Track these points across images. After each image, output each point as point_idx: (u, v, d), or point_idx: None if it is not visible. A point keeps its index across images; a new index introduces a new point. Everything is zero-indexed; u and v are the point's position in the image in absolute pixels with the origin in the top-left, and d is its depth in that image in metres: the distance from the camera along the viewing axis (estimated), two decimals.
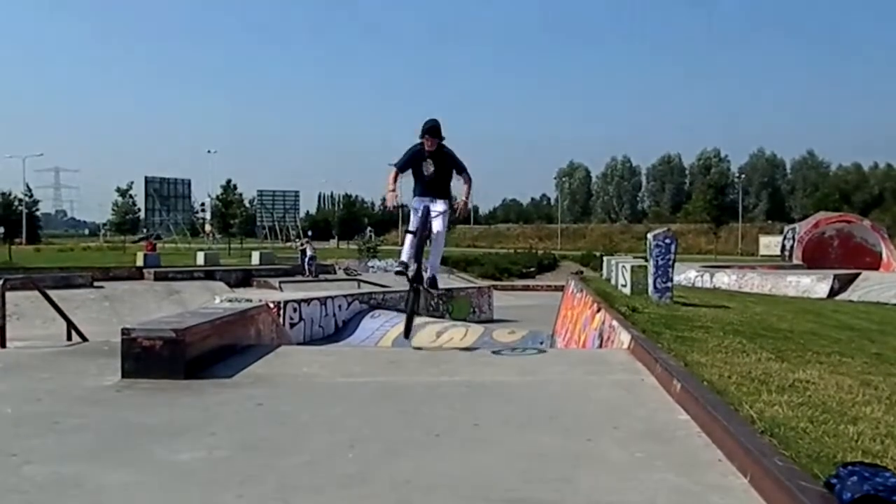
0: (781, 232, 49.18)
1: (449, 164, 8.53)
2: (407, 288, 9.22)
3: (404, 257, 8.68)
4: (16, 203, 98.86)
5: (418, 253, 8.69)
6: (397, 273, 8.98)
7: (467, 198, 8.85)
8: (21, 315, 18.03)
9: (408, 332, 10.14)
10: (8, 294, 9.89)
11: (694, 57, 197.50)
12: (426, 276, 8.88)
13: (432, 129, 8.29)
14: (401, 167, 8.53)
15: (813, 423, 4.90)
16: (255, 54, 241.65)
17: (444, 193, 8.67)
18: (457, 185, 9.01)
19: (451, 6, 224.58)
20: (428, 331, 22.79)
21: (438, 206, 8.56)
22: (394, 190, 8.41)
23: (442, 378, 7.31)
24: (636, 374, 7.35)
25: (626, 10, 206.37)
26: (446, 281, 35.58)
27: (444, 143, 8.43)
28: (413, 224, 8.66)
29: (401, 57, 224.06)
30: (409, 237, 8.75)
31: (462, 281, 43.33)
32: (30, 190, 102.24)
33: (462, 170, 8.60)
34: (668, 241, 15.22)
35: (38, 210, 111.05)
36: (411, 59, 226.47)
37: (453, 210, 8.70)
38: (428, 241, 8.90)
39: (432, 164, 8.42)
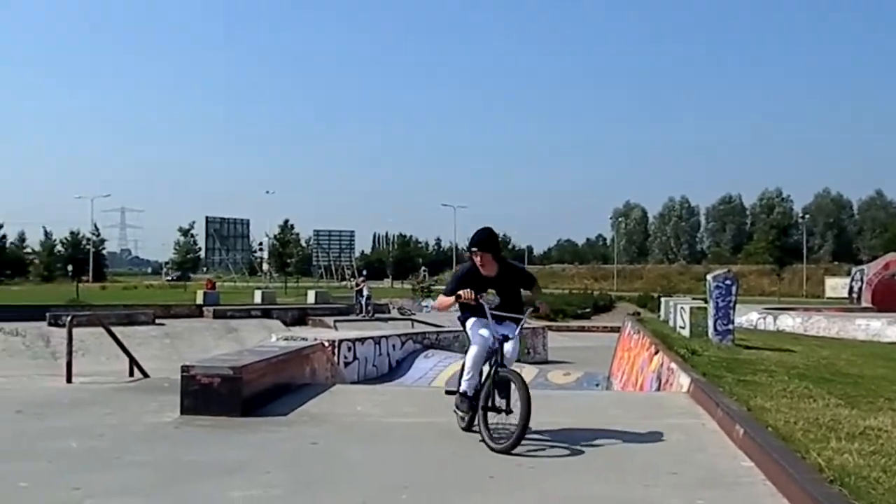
0: (848, 273, 47.91)
1: (516, 283, 6.59)
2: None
3: (466, 387, 6.36)
4: (84, 242, 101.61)
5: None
6: (451, 395, 6.66)
7: (541, 301, 6.96)
8: (86, 351, 18.39)
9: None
10: (75, 330, 10.13)
11: (753, 96, 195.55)
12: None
13: (483, 243, 6.31)
14: (452, 294, 6.37)
15: (886, 473, 4.71)
16: (312, 98, 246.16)
17: (516, 309, 6.51)
18: None
19: (499, 48, 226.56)
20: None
21: (509, 330, 6.35)
22: (458, 298, 6.30)
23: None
24: (696, 418, 7.19)
25: (682, 48, 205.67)
26: None
27: (504, 258, 6.51)
28: (477, 355, 6.26)
29: (454, 98, 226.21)
30: (470, 360, 6.32)
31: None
32: (97, 229, 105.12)
33: (532, 284, 6.75)
34: (728, 282, 14.95)
35: (104, 249, 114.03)
36: (465, 101, 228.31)
37: (534, 309, 6.81)
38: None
39: (495, 293, 6.41)
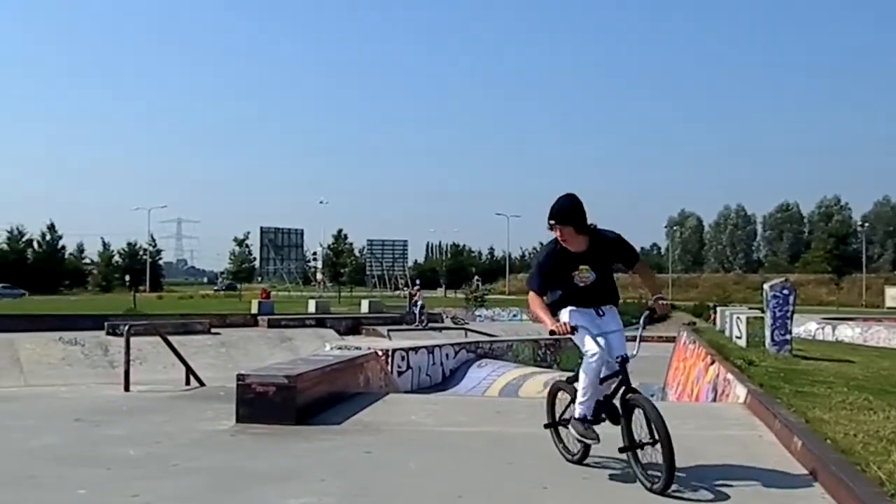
0: None
1: (612, 258, 5.42)
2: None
3: (584, 410, 5.32)
4: (141, 252, 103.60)
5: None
6: (581, 437, 5.37)
7: (660, 290, 5.62)
8: (144, 360, 18.71)
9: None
10: (132, 339, 10.35)
11: (810, 102, 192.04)
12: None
13: (563, 214, 5.16)
14: (541, 289, 5.39)
15: None
16: (365, 109, 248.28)
17: (612, 298, 5.54)
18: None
19: (552, 57, 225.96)
20: (535, 381, 22.54)
21: (612, 321, 5.41)
22: (555, 321, 5.22)
23: (546, 430, 7.19)
24: (753, 429, 7.07)
25: (735, 55, 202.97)
26: None
27: (594, 228, 5.27)
28: (593, 376, 5.20)
29: (508, 107, 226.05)
30: (586, 381, 5.25)
31: None
32: (154, 240, 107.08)
33: (634, 259, 5.51)
34: (786, 291, 14.71)
35: (160, 259, 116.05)
36: (519, 110, 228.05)
37: (650, 314, 5.40)
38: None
39: (589, 268, 5.30)
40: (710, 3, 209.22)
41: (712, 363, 12.30)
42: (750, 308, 21.64)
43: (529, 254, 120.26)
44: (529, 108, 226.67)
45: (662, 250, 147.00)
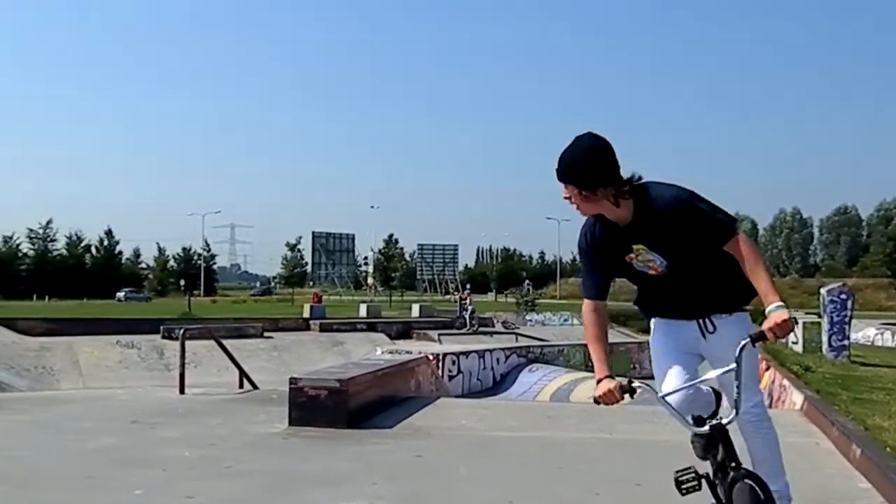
0: None
1: (684, 228, 3.25)
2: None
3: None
4: (195, 257, 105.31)
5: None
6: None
7: (776, 297, 3.11)
8: (198, 363, 19.02)
9: None
10: (187, 343, 10.51)
11: (868, 104, 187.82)
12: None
13: (563, 168, 3.25)
14: (595, 291, 3.42)
15: None
16: (414, 112, 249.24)
17: (730, 297, 3.48)
18: None
19: (614, 56, 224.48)
20: (587, 386, 22.39)
21: (726, 344, 3.33)
22: (605, 378, 3.24)
23: (601, 434, 7.15)
24: (810, 437, 6.94)
25: (793, 60, 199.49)
26: None
27: (639, 182, 3.28)
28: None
29: (561, 102, 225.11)
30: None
31: (621, 336, 42.51)
32: (208, 245, 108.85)
33: (723, 231, 3.27)
34: (843, 296, 14.43)
35: (214, 264, 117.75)
36: (574, 105, 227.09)
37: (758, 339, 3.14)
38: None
39: (646, 248, 3.35)
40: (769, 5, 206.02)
41: (768, 369, 12.09)
42: (807, 313, 21.21)
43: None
44: (582, 110, 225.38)
45: None
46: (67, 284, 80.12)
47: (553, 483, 5.36)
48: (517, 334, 37.31)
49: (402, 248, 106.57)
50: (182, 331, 10.83)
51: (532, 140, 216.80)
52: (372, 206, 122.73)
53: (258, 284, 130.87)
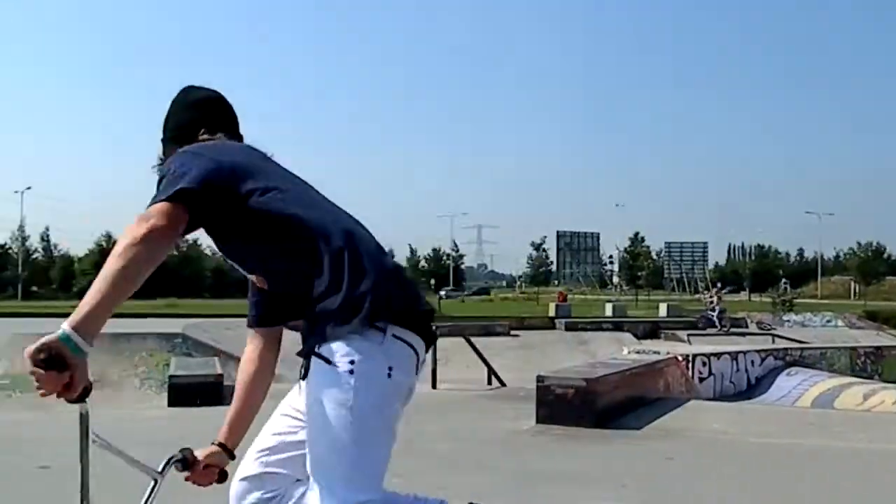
0: None
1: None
2: None
3: None
4: (444, 258, 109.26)
5: None
6: None
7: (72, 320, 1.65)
8: (448, 359, 19.63)
9: None
10: (438, 340, 10.90)
11: None
12: None
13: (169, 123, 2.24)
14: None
15: None
16: (657, 108, 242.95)
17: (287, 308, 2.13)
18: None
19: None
20: (853, 392, 20.76)
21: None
22: None
23: (872, 445, 6.59)
24: None
25: None
26: (874, 338, 32.32)
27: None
28: None
29: (811, 91, 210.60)
30: None
31: (892, 338, 39.18)
32: (456, 246, 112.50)
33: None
34: None
35: (462, 264, 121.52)
36: (824, 92, 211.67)
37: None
38: None
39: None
40: None
41: None
42: None
43: (845, 254, 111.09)
44: (835, 96, 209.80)
45: None
46: None
47: (817, 495, 5.00)
48: (773, 335, 35.35)
49: (648, 247, 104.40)
50: (433, 328, 11.24)
51: (783, 129, 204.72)
52: (617, 205, 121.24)
53: (504, 284, 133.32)
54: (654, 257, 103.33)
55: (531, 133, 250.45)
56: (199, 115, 2.20)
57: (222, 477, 2.16)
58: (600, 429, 7.02)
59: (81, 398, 1.68)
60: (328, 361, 1.87)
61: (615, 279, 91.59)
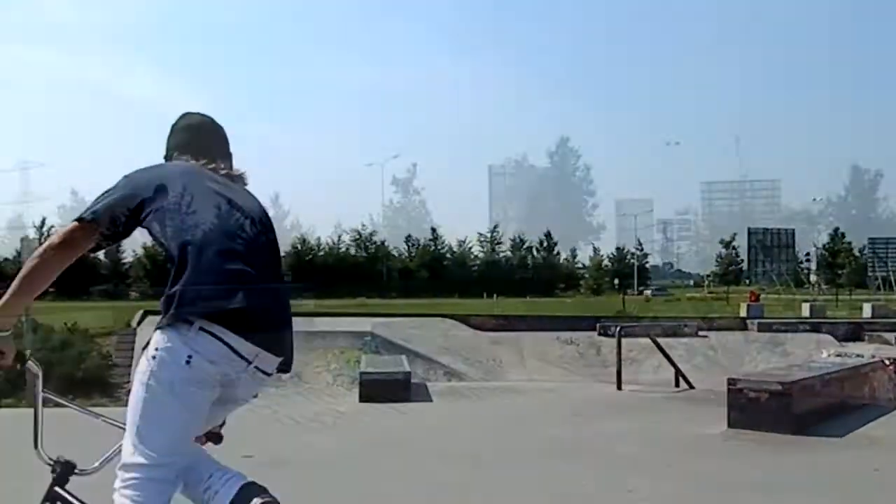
0: None
1: None
2: None
3: None
4: (628, 256, 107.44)
5: None
6: None
7: None
8: (633, 360, 19.25)
9: None
10: (623, 340, 10.72)
11: None
12: None
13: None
14: None
15: None
16: (860, 99, 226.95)
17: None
18: None
19: None
20: None
21: None
22: None
23: None
24: None
25: None
26: None
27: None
28: None
29: None
30: None
31: None
32: (640, 244, 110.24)
33: None
34: None
35: (647, 263, 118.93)
36: None
37: None
38: None
39: None
40: None
41: None
42: None
43: None
44: None
45: None
46: (512, 283, 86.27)
47: None
48: None
49: (850, 243, 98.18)
50: (618, 328, 11.07)
51: None
52: (814, 199, 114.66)
53: (691, 283, 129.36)
54: (857, 254, 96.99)
55: (719, 129, 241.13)
56: (176, 140, 2.67)
57: (217, 439, 2.53)
58: (798, 435, 6.65)
59: (19, 363, 2.30)
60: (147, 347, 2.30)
61: (812, 278, 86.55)
